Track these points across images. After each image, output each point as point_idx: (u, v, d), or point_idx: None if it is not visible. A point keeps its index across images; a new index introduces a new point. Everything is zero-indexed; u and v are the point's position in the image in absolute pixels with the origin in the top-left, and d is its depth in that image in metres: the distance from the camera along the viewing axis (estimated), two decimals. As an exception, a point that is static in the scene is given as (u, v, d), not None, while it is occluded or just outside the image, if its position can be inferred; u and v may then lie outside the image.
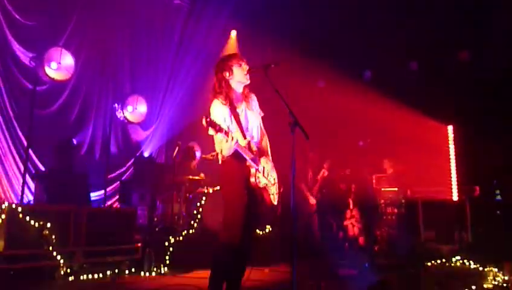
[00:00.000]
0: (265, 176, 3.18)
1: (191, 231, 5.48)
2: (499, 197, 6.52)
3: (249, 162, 3.06)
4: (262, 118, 3.39)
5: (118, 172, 7.36)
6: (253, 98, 3.33)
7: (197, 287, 3.99)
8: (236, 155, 3.03)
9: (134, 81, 7.69)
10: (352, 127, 7.36)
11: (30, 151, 5.77)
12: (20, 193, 5.53)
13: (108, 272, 4.59)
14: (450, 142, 7.04)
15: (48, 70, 5.64)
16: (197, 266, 4.83)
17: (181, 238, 5.25)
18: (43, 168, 6.18)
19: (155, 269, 4.85)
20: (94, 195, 6.62)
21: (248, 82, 3.24)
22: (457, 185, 6.73)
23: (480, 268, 5.41)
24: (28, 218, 4.18)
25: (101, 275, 4.53)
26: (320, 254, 6.30)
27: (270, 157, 3.32)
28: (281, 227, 5.97)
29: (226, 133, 2.84)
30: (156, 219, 6.37)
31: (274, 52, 7.44)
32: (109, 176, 6.91)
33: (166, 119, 8.07)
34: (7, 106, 5.92)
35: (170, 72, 8.08)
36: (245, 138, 3.12)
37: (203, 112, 3.08)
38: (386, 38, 7.48)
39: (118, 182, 7.18)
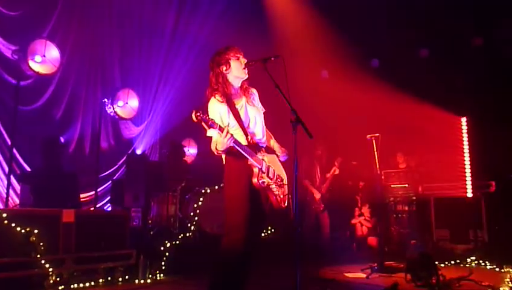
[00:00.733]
0: (271, 176, 3.16)
1: (188, 234, 5.46)
2: (516, 193, 6.54)
3: (251, 161, 3.05)
4: (264, 114, 3.35)
5: (109, 171, 7.34)
6: (254, 93, 3.33)
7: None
8: (237, 154, 3.03)
9: (125, 74, 7.64)
10: (359, 120, 7.31)
11: (14, 150, 5.72)
12: (4, 196, 5.48)
13: (100, 280, 4.59)
14: (463, 134, 7.02)
15: (31, 64, 5.58)
16: (195, 272, 4.81)
17: (178, 242, 5.22)
18: (28, 169, 6.14)
19: (150, 276, 4.84)
20: (84, 196, 6.58)
21: (246, 76, 3.23)
22: (472, 180, 6.69)
23: (497, 269, 5.49)
24: (13, 224, 4.13)
25: (93, 283, 4.52)
26: (327, 256, 6.30)
27: (280, 157, 3.31)
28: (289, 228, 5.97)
29: (221, 129, 2.85)
30: (150, 222, 6.39)
31: (274, 41, 7.45)
32: (100, 175, 6.86)
33: (159, 114, 8.06)
34: (-12, 103, 5.91)
35: (163, 64, 8.04)
36: (247, 135, 3.12)
37: (197, 107, 3.10)
38: (394, 23, 7.42)
39: (110, 182, 7.15)
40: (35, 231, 4.22)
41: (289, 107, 2.95)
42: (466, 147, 6.96)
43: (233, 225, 2.97)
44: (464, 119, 7.08)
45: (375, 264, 5.36)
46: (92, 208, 6.40)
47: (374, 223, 7.40)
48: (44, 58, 5.69)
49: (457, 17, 7.11)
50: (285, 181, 3.27)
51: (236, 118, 3.11)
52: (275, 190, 3.15)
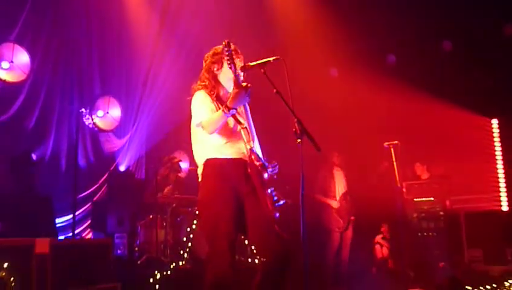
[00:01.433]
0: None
1: (180, 263, 5.43)
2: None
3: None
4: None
5: (88, 191, 7.29)
6: (245, 104, 3.39)
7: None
8: (217, 166, 3.16)
9: (105, 80, 7.62)
10: (374, 125, 7.30)
11: (-22, 169, 5.70)
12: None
13: (81, 319, 4.50)
14: (495, 138, 7.06)
15: (-2, 71, 5.62)
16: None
17: (169, 272, 5.18)
18: (-5, 191, 6.16)
19: (138, 312, 4.82)
20: (60, 221, 6.53)
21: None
22: (507, 191, 6.73)
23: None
24: (-22, 258, 4.08)
25: (72, 324, 4.43)
26: (343, 282, 6.29)
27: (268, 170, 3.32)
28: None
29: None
30: (137, 249, 6.32)
31: (273, 38, 7.48)
32: (78, 196, 6.74)
33: (145, 124, 8.02)
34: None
35: (148, 67, 8.02)
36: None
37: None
38: (413, 12, 7.34)
39: (89, 204, 7.10)
40: (5, 265, 4.12)
41: (293, 116, 2.97)
42: (499, 152, 7.01)
43: (217, 251, 3.05)
44: (494, 121, 7.15)
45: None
46: (70, 236, 6.26)
47: (395, 243, 7.32)
48: (13, 64, 5.70)
49: (486, 4, 7.06)
50: (274, 194, 3.25)
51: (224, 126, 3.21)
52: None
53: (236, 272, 3.02)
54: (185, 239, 5.66)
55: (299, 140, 2.91)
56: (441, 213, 6.99)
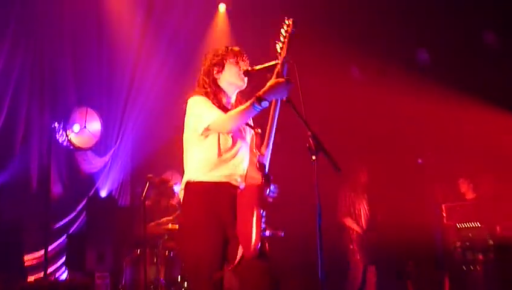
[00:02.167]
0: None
1: (175, 308, 5.45)
2: None
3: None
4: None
5: (63, 221, 7.25)
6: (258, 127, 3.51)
7: None
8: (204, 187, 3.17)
9: (82, 88, 7.55)
10: (404, 135, 7.20)
11: None
12: None
13: None
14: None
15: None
16: None
17: (161, 320, 5.23)
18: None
19: None
20: (30, 258, 6.48)
21: (243, 86, 3.37)
22: None
23: None
24: None
25: None
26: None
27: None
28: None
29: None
30: (122, 291, 6.41)
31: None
32: (51, 228, 6.77)
33: (130, 140, 8.00)
34: None
35: (133, 71, 7.96)
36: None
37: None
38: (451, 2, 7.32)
39: (65, 237, 7.05)
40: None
41: (306, 129, 2.98)
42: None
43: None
44: (552, 127, 7.08)
45: None
46: (42, 277, 6.21)
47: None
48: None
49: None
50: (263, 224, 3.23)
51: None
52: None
53: None
54: (179, 278, 5.70)
55: (313, 157, 2.89)
56: (490, 242, 6.80)
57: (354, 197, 6.96)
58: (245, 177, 3.23)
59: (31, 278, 6.22)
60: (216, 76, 3.38)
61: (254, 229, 3.00)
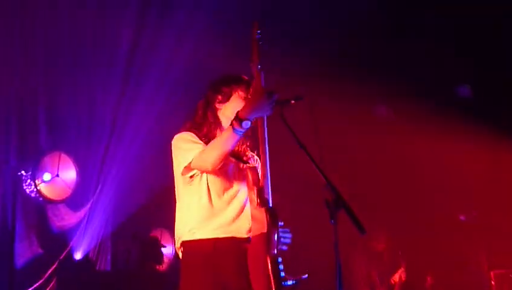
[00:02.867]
0: None
1: None
2: None
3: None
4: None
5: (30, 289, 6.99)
6: (254, 159, 3.46)
7: None
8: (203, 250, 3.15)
9: (55, 128, 7.40)
10: (443, 187, 7.18)
11: None
12: None
13: None
14: None
15: None
16: None
17: None
18: None
19: None
20: None
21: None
22: None
23: None
24: None
25: None
26: None
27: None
28: None
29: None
30: None
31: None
32: None
33: (110, 192, 7.84)
34: None
35: (115, 110, 7.86)
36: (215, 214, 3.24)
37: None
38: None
39: None
40: None
41: (323, 179, 2.82)
42: None
43: None
44: None
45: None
46: None
47: None
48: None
49: None
50: None
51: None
52: None
53: None
54: None
55: (332, 221, 2.71)
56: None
57: (368, 267, 7.13)
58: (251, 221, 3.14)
59: None
60: (218, 106, 3.35)
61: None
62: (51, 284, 7.18)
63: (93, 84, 7.74)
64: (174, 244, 3.97)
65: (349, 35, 7.45)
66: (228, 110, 3.32)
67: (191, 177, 3.16)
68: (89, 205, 7.78)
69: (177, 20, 7.64)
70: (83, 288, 6.93)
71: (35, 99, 7.35)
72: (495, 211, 6.12)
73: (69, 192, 7.16)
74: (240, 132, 2.97)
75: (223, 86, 3.40)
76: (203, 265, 3.14)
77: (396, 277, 7.14)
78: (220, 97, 3.36)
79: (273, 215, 3.04)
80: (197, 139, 3.24)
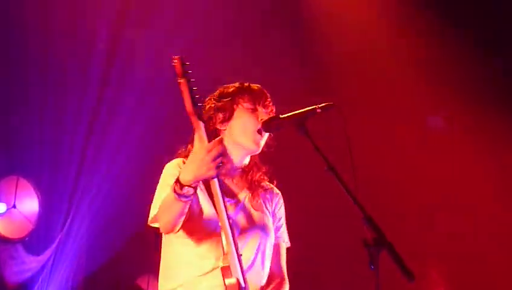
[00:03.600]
0: None
1: None
2: None
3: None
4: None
5: None
6: (271, 194, 3.22)
7: None
8: None
9: (12, 148, 6.87)
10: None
11: None
12: None
13: None
14: None
15: None
16: None
17: None
18: None
19: None
20: None
21: (257, 150, 3.02)
22: None
23: None
24: None
25: None
26: None
27: None
28: None
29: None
30: None
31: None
32: None
33: (82, 228, 7.33)
34: None
35: (89, 124, 7.30)
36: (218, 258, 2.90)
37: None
38: None
39: None
40: None
41: (359, 210, 2.57)
42: None
43: None
44: None
45: None
46: None
47: None
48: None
49: None
50: None
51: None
52: None
53: None
54: None
55: (372, 267, 2.45)
56: None
57: None
58: None
59: None
60: (220, 127, 3.03)
61: None
62: None
63: (59, 99, 7.30)
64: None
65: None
66: (233, 131, 3.03)
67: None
68: (54, 246, 7.19)
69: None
70: None
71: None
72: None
73: (29, 228, 6.82)
74: (185, 197, 2.64)
75: (222, 101, 3.11)
76: None
77: None
78: (221, 115, 3.08)
79: None
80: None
